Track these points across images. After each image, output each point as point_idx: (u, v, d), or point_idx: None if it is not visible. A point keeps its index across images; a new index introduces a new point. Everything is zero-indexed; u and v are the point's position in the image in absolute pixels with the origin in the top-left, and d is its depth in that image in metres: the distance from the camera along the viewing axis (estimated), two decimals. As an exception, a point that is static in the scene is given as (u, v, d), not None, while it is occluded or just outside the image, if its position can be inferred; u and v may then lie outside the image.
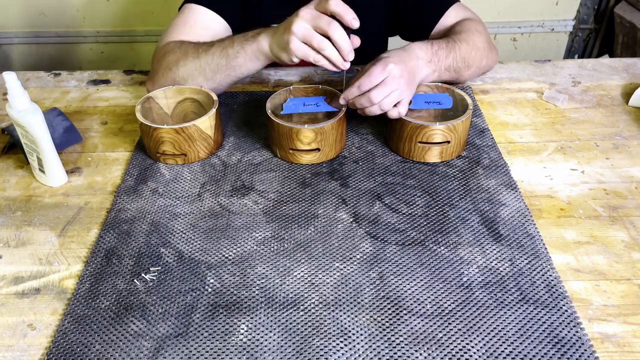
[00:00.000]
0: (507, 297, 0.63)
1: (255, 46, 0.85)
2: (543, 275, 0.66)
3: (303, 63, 0.85)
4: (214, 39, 0.93)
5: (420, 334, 0.60)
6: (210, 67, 0.89)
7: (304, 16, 0.78)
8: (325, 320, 0.61)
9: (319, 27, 0.77)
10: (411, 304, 0.63)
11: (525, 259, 0.68)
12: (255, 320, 0.61)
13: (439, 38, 0.95)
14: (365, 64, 0.84)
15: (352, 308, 0.62)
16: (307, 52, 0.79)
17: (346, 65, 0.79)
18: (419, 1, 1.03)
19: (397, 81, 0.79)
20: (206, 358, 0.58)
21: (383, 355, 0.57)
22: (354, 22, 0.77)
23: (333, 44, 0.78)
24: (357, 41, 0.80)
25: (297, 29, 0.78)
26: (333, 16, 0.77)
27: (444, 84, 0.90)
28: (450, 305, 0.63)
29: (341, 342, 0.59)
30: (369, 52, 0.89)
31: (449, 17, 1.00)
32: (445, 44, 0.91)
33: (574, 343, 0.58)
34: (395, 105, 0.80)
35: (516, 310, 0.62)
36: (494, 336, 0.59)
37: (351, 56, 0.79)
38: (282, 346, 0.59)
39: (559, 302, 0.62)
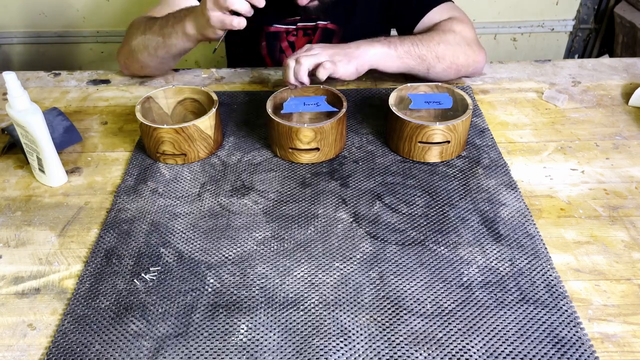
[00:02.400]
0: (507, 297, 0.63)
1: (183, 29, 0.91)
2: (543, 275, 0.66)
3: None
4: None
5: (420, 334, 0.60)
6: (152, 44, 0.96)
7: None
8: (325, 320, 0.61)
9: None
10: (411, 304, 0.63)
11: (525, 259, 0.68)
12: (255, 320, 0.61)
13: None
14: None
15: (352, 308, 0.62)
16: (224, 18, 0.84)
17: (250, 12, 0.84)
18: None
19: (318, 47, 0.87)
20: (206, 358, 0.58)
21: (383, 355, 0.57)
22: (260, 3, 0.83)
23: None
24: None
25: (210, 6, 0.84)
26: None
27: (444, 83, 0.91)
28: (450, 305, 0.63)
29: (341, 342, 0.59)
30: None
31: (436, 16, 1.01)
32: (398, 36, 0.95)
33: (574, 343, 0.58)
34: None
35: (516, 310, 0.62)
36: (494, 336, 0.59)
37: (259, 3, 0.83)
38: (282, 346, 0.59)
39: (559, 302, 0.62)
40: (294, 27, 1.10)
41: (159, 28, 0.95)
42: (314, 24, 1.09)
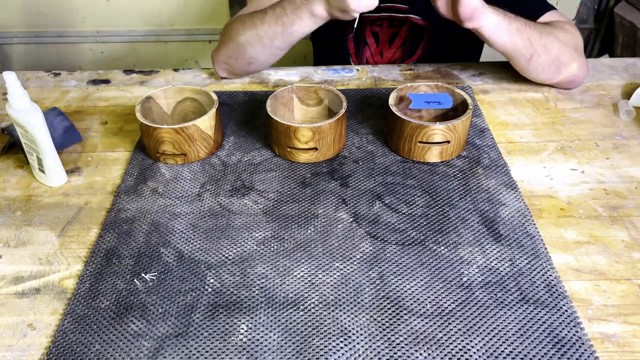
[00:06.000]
0: (507, 297, 0.63)
1: (310, 12, 0.90)
2: (543, 275, 0.66)
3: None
4: None
5: (420, 334, 0.60)
6: (268, 35, 0.95)
7: None
8: (325, 320, 0.61)
9: None
10: (411, 304, 0.63)
11: (525, 259, 0.68)
12: (255, 320, 0.61)
13: None
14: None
15: (352, 308, 0.62)
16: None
17: None
18: (517, 4, 0.97)
19: None
20: (206, 358, 0.58)
21: (383, 355, 0.57)
22: None
23: None
24: None
25: None
26: None
27: (444, 83, 0.91)
28: (450, 305, 0.63)
29: (341, 342, 0.59)
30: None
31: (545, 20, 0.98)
32: (510, 13, 0.90)
33: (574, 343, 0.58)
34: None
35: (516, 310, 0.62)
36: (494, 336, 0.59)
37: None
38: (282, 346, 0.59)
39: (559, 302, 0.62)
40: (387, 14, 1.08)
41: (274, 18, 0.93)
42: (404, 15, 1.08)
